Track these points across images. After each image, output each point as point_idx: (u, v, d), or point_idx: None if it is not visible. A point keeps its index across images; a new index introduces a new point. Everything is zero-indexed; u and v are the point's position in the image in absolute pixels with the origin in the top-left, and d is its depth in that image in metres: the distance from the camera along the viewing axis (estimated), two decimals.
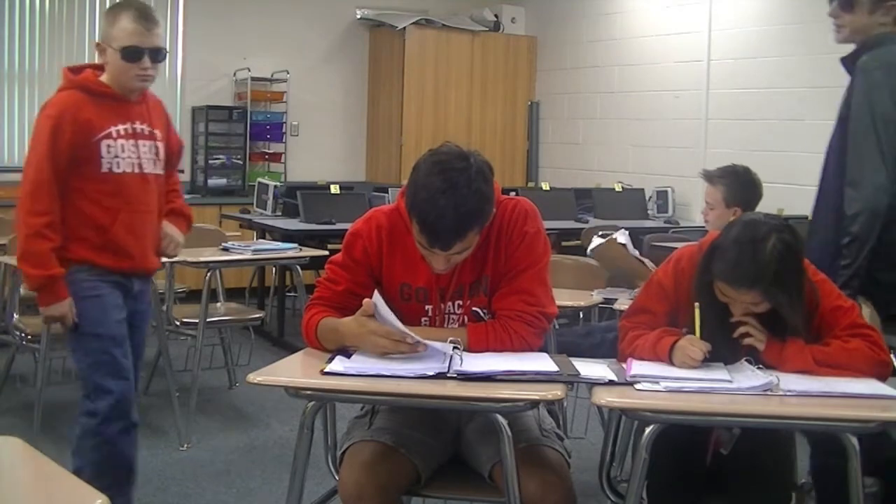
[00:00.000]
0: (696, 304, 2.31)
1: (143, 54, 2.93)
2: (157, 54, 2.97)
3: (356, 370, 2.16)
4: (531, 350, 2.33)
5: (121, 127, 2.98)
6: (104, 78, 3.00)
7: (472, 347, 2.30)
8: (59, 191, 2.91)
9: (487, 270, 2.39)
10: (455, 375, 2.12)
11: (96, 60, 3.05)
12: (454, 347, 2.26)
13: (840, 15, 2.90)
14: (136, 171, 3.02)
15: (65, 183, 2.92)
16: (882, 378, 2.23)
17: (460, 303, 2.40)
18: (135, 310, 3.13)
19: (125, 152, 2.98)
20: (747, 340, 2.29)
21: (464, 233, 2.22)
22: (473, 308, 2.39)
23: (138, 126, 3.03)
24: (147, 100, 3.11)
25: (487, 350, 2.30)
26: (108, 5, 7.71)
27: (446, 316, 2.40)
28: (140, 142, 3.03)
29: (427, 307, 2.40)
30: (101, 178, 2.96)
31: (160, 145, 3.11)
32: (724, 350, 2.30)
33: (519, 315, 2.33)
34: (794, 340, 2.27)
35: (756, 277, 2.21)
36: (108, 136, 2.95)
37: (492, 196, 2.27)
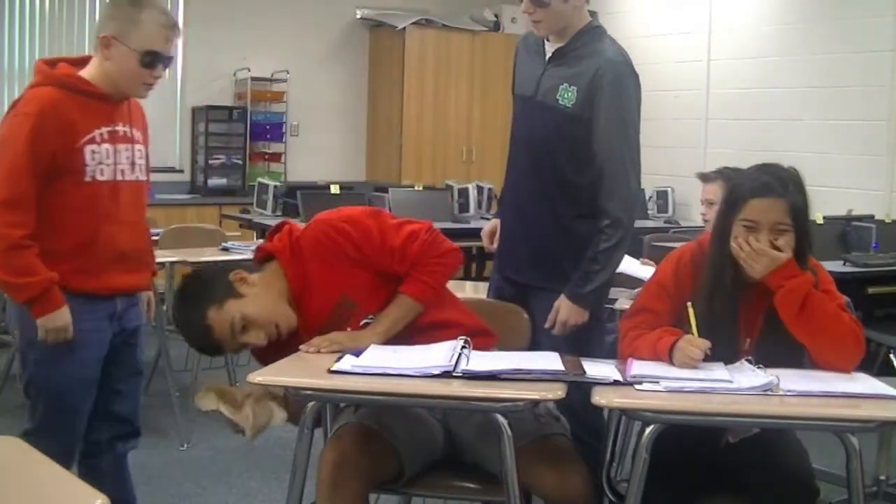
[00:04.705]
0: (689, 303, 2.30)
1: (161, 62, 2.67)
2: (169, 63, 2.72)
3: (362, 369, 2.17)
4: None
5: (104, 130, 2.66)
6: (88, 74, 2.67)
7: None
8: (35, 202, 2.57)
9: (345, 289, 2.48)
10: (461, 374, 2.12)
11: (92, 52, 2.71)
12: (462, 346, 2.26)
13: None
14: (120, 178, 2.70)
15: (39, 194, 2.56)
16: (853, 357, 2.27)
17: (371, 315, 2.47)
18: (122, 328, 2.81)
19: (109, 158, 2.66)
20: (775, 252, 2.29)
21: None
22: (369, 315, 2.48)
23: (120, 128, 2.71)
24: (129, 101, 2.78)
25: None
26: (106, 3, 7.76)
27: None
28: (121, 146, 2.71)
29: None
30: (83, 188, 2.62)
31: (142, 149, 2.80)
32: (725, 349, 2.29)
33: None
34: (807, 274, 2.32)
35: (784, 186, 2.33)
36: (93, 140, 2.62)
37: None
